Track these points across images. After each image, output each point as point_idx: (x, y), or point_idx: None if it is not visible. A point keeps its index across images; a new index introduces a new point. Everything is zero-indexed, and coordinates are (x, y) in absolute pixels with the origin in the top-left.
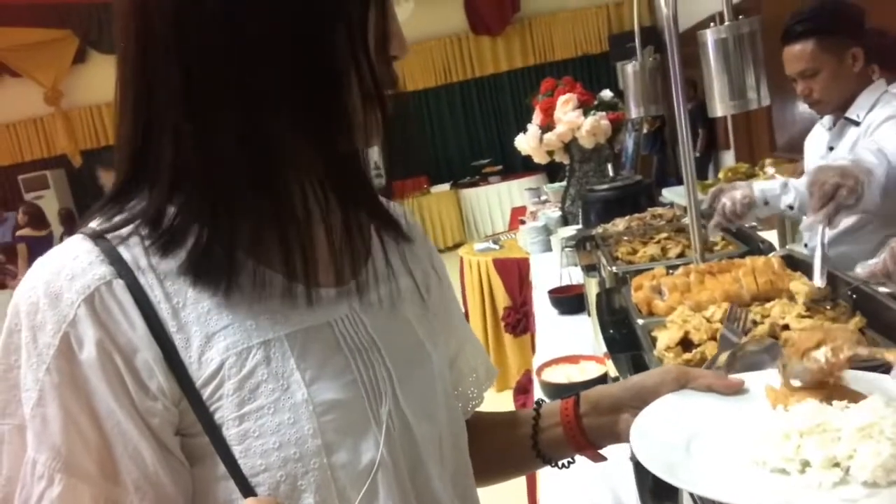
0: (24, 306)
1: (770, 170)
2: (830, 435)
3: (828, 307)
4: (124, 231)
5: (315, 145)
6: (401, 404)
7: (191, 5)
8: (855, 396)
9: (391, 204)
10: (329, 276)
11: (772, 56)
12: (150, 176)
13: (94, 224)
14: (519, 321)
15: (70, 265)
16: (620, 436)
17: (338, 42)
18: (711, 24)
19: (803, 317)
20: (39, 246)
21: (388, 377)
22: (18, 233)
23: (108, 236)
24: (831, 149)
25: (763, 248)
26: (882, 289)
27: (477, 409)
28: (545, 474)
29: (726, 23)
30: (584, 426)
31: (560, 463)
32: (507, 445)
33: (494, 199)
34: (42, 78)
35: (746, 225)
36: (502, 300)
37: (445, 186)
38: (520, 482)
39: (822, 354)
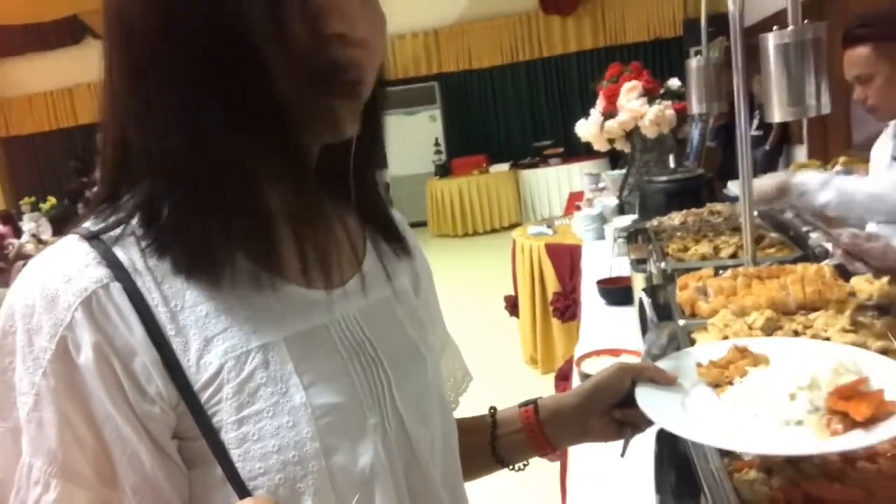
0: (19, 308)
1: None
2: (817, 383)
3: (877, 322)
4: (119, 231)
5: (260, 143)
6: (398, 406)
7: (128, 8)
8: (762, 359)
9: (385, 207)
10: (325, 279)
11: None
12: (140, 173)
13: (89, 224)
14: (567, 307)
15: (66, 267)
16: (587, 437)
17: (254, 25)
18: (775, 26)
19: (847, 331)
20: None
21: (385, 379)
22: (95, 190)
23: (104, 237)
24: (894, 159)
25: (818, 254)
26: None
27: None
28: (574, 480)
29: (790, 27)
30: (547, 433)
31: (517, 466)
32: (467, 451)
33: (553, 182)
34: None
35: (780, 211)
36: (552, 285)
37: (504, 166)
38: (552, 490)
39: None
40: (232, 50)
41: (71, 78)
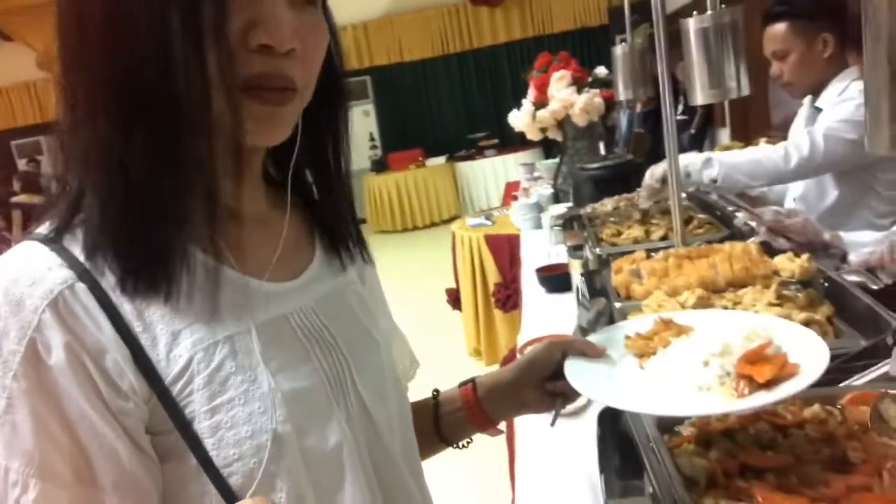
0: None
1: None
2: (729, 349)
3: (799, 294)
4: (78, 234)
5: (175, 144)
6: (358, 388)
7: (63, 17)
8: (686, 330)
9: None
10: (280, 272)
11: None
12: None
13: (45, 228)
14: (509, 297)
15: (29, 271)
16: (523, 409)
17: (172, 34)
18: (695, 12)
19: (773, 304)
20: (35, 213)
21: (345, 363)
22: (14, 199)
23: (62, 241)
24: None
25: (745, 233)
26: (851, 278)
27: None
28: (523, 458)
29: (708, 11)
30: (486, 408)
31: (461, 444)
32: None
33: (490, 173)
34: (34, 42)
35: (705, 193)
36: (493, 276)
37: (441, 159)
38: (500, 469)
39: None
40: (152, 58)
41: None
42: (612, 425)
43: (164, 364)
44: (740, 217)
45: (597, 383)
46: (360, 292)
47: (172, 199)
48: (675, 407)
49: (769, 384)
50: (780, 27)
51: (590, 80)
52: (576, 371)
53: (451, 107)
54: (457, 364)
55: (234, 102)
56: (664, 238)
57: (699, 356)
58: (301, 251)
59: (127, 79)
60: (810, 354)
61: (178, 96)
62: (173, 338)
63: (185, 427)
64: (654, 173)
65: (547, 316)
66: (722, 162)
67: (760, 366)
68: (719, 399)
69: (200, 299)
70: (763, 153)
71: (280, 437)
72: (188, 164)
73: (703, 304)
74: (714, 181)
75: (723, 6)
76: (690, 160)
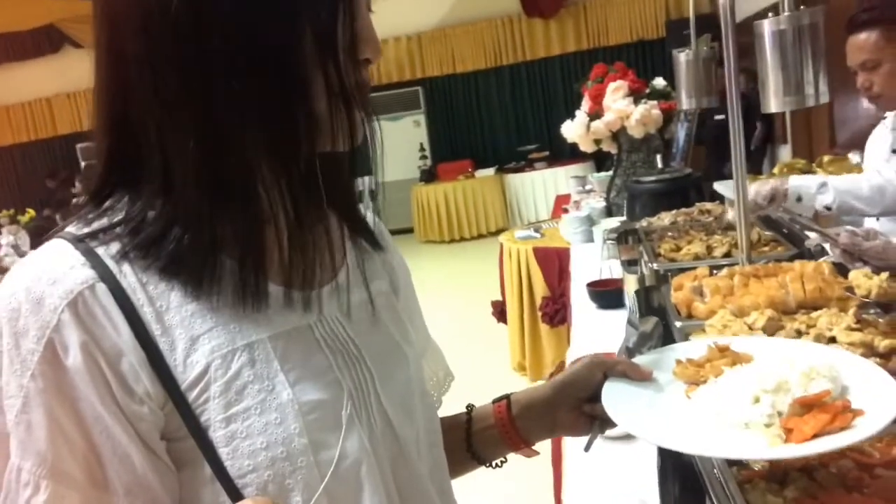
0: (5, 312)
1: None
2: (784, 387)
3: (881, 319)
4: (104, 235)
5: (282, 150)
6: (382, 403)
7: (158, 17)
8: (744, 358)
9: (362, 209)
10: (308, 279)
11: (834, 48)
12: (126, 179)
13: (73, 228)
14: (557, 312)
15: (51, 269)
16: (556, 430)
17: (304, 47)
18: (770, 14)
19: (853, 329)
20: None
21: (369, 376)
22: (76, 200)
23: (88, 240)
24: (895, 152)
25: (814, 252)
26: None
27: None
28: (571, 483)
29: (786, 13)
30: (519, 427)
31: (493, 463)
32: (445, 448)
33: (539, 186)
34: None
35: (775, 216)
36: (540, 290)
37: (490, 171)
38: (544, 495)
39: None
40: (279, 76)
41: (49, 88)
42: (674, 454)
43: (181, 370)
44: (812, 237)
45: (631, 409)
46: (393, 303)
47: (231, 203)
48: (705, 447)
49: (816, 435)
50: (870, 35)
51: (647, 91)
52: (613, 394)
53: (501, 119)
54: (500, 378)
55: (351, 111)
56: (727, 255)
57: (751, 390)
58: (330, 259)
59: (243, 86)
60: (879, 400)
61: (298, 105)
62: (191, 343)
63: (199, 434)
64: (760, 191)
65: (598, 333)
66: (837, 188)
67: (806, 420)
68: (762, 441)
69: (221, 305)
70: (885, 179)
71: (295, 449)
72: (268, 169)
73: (773, 326)
74: (828, 208)
75: (801, 7)
76: (803, 183)
